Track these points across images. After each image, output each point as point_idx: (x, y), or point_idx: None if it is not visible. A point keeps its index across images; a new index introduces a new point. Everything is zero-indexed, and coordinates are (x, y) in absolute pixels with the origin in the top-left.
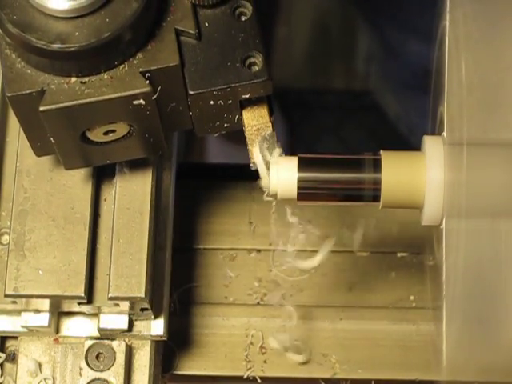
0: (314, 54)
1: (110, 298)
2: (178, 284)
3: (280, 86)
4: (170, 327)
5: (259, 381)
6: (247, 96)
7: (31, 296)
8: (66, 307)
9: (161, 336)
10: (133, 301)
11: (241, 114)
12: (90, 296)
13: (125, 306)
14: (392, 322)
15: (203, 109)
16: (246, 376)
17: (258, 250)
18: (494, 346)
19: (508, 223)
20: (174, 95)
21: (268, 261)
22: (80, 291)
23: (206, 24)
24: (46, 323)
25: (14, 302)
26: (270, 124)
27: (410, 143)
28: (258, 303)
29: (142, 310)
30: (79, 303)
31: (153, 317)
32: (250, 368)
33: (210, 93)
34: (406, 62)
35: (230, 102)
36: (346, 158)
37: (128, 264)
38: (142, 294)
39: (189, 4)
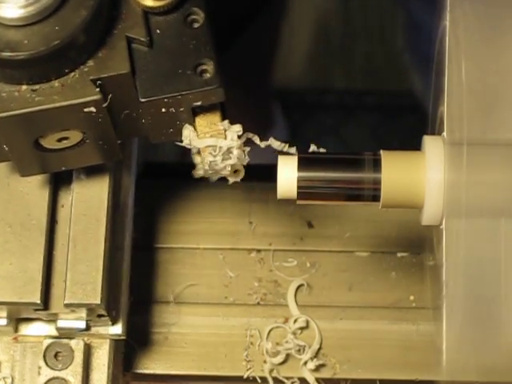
0: (314, 54)
1: (66, 305)
2: (177, 284)
3: (280, 86)
4: (169, 327)
5: (259, 381)
6: (199, 103)
7: None
8: (23, 314)
9: (119, 335)
10: (89, 307)
11: (194, 121)
12: (46, 303)
13: (82, 312)
14: (392, 321)
15: (155, 116)
16: (246, 376)
17: (258, 250)
18: (494, 346)
19: (508, 223)
20: (126, 103)
21: (268, 261)
22: (36, 298)
23: (158, 31)
24: (4, 322)
25: None
26: (223, 131)
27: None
28: (258, 303)
29: (99, 316)
30: (36, 310)
31: (110, 323)
32: (250, 368)
33: (161, 100)
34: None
35: (181, 109)
36: (346, 158)
37: (84, 271)
38: (98, 301)
39: (140, 11)
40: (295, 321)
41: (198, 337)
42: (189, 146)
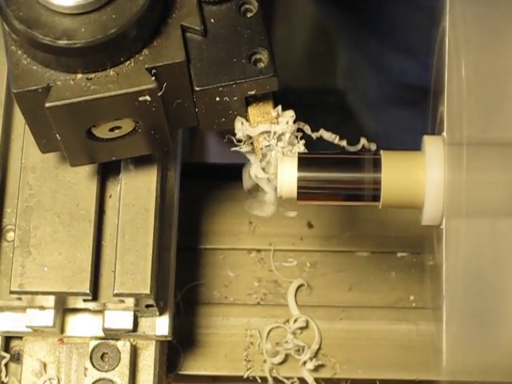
0: (314, 54)
1: (116, 295)
2: (178, 284)
3: (280, 86)
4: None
5: (259, 381)
6: (253, 92)
7: (36, 293)
8: (71, 304)
9: (165, 336)
10: (138, 297)
11: (246, 111)
12: (95, 293)
13: (130, 302)
14: (392, 322)
15: (209, 105)
16: (246, 376)
17: (258, 250)
18: (493, 346)
19: (508, 223)
20: (180, 91)
21: (268, 261)
22: (85, 288)
23: (212, 20)
24: (50, 323)
25: (19, 299)
26: (276, 120)
27: None
28: (258, 303)
29: (147, 306)
30: (84, 300)
31: (158, 313)
32: (250, 368)
33: (216, 89)
34: (386, 76)
35: (235, 98)
36: (346, 158)
37: (133, 260)
38: (148, 291)
39: (194, 0)
40: (295, 321)
41: (198, 337)
42: (240, 149)
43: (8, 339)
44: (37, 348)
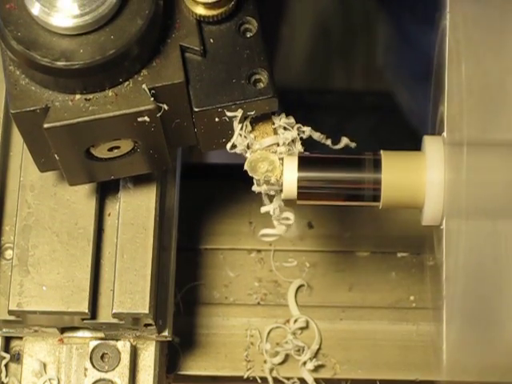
0: (315, 54)
1: (114, 314)
2: (178, 284)
3: (280, 86)
4: (173, 328)
5: (259, 381)
6: (252, 113)
7: (35, 312)
8: (68, 323)
9: (165, 337)
10: (137, 317)
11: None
12: (93, 312)
13: (128, 321)
14: (392, 322)
15: (208, 125)
16: (246, 376)
17: (258, 250)
18: (493, 346)
19: (508, 223)
20: (179, 112)
21: (268, 261)
22: (84, 307)
23: (211, 40)
24: None
25: (18, 317)
26: (276, 138)
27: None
28: (258, 303)
29: (146, 325)
30: (83, 319)
31: (157, 333)
32: (250, 368)
33: (215, 110)
34: (422, 53)
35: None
36: (346, 158)
37: (132, 280)
38: (146, 310)
39: (194, 20)
40: (295, 321)
41: (198, 337)
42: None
43: (8, 339)
44: (37, 348)
